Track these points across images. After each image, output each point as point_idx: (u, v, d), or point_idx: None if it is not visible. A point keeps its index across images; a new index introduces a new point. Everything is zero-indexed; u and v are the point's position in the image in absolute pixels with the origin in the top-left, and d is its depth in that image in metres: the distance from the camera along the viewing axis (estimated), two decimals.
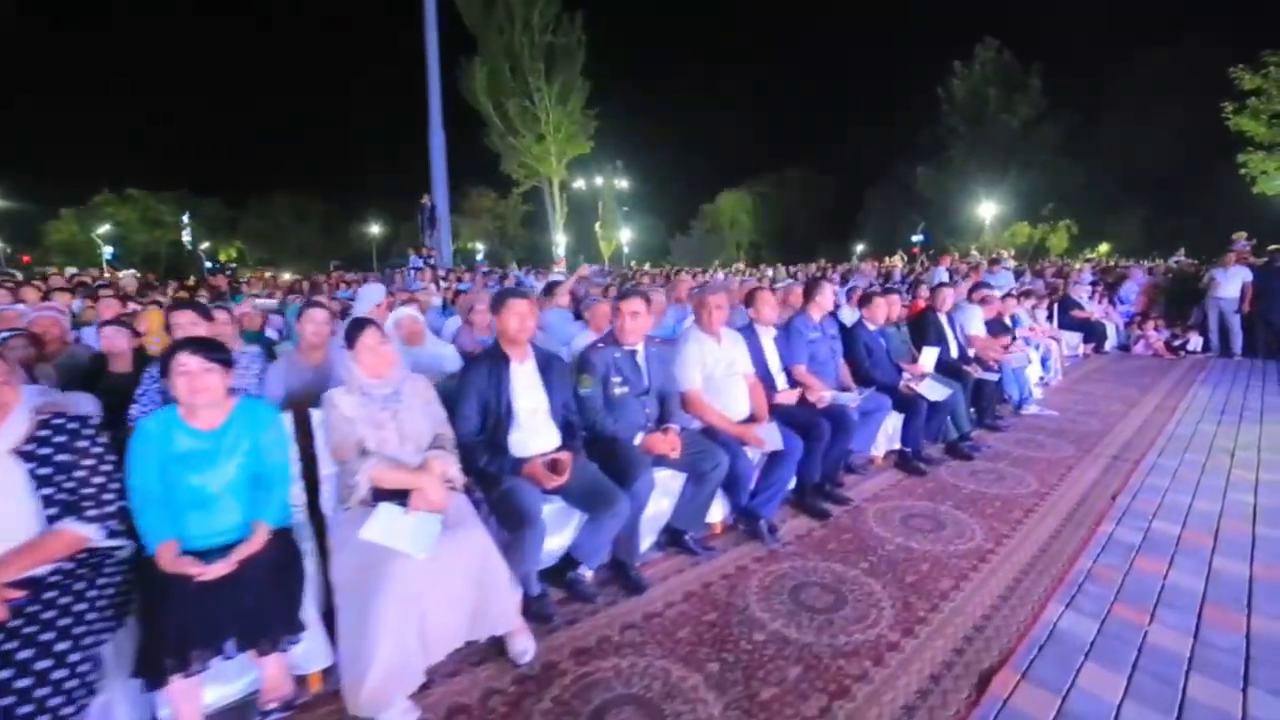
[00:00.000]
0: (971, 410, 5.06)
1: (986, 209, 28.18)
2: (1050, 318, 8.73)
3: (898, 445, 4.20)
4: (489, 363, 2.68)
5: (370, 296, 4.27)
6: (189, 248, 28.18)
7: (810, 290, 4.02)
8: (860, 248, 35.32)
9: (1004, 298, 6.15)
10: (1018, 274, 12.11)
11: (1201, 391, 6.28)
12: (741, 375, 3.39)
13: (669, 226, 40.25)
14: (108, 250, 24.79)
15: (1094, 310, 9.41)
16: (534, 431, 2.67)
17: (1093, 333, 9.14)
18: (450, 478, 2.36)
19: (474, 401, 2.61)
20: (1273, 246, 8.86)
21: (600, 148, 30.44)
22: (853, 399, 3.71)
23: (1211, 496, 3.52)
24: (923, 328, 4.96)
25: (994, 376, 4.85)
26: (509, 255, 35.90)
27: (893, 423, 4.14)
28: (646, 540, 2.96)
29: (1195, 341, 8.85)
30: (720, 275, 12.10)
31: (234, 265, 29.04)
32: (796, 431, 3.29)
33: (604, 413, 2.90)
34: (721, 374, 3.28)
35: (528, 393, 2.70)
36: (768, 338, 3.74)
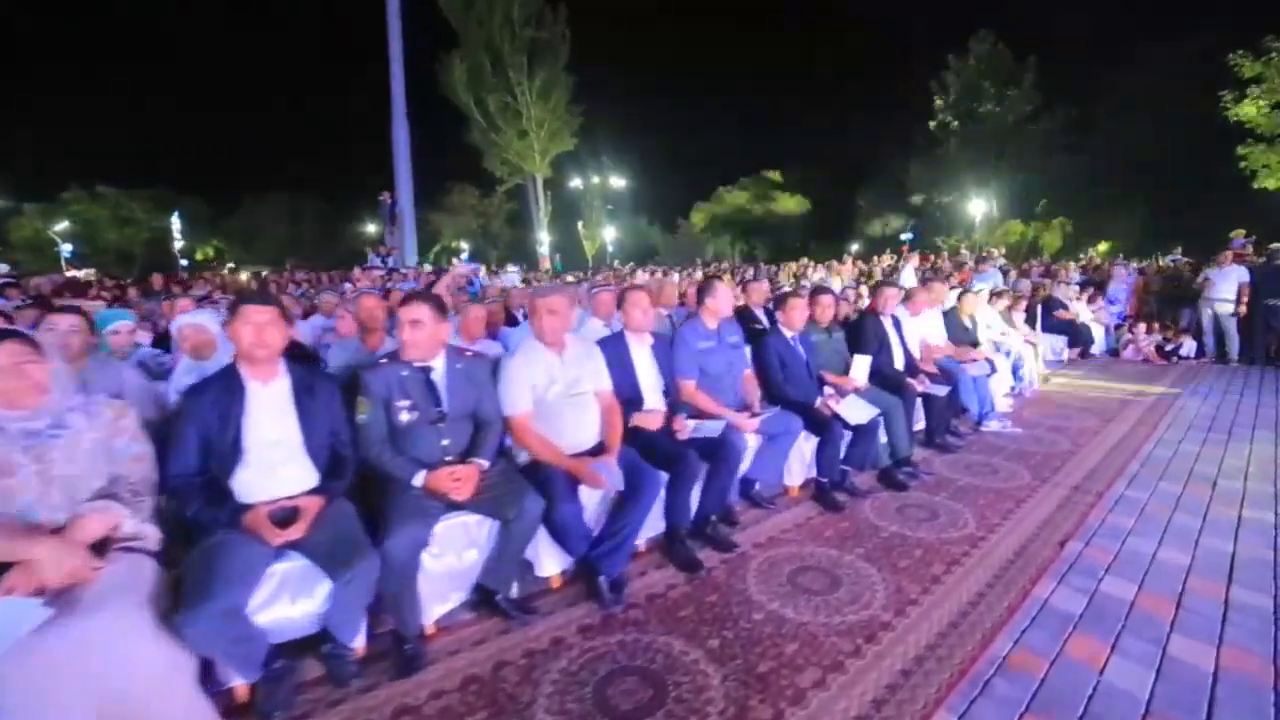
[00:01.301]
0: (920, 428, 4.44)
1: (977, 206, 27.33)
2: (1032, 320, 8.09)
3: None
4: (219, 385, 2.06)
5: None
6: (179, 245, 27.79)
7: (702, 292, 3.37)
8: (855, 247, 34.57)
9: (961, 295, 5.48)
10: (1005, 273, 11.46)
11: (1189, 404, 5.61)
12: (592, 395, 2.75)
13: (658, 225, 39.62)
14: (67, 248, 24.14)
15: (1080, 311, 8.74)
16: (270, 470, 2.05)
17: (1078, 336, 8.47)
18: (124, 536, 1.76)
19: (192, 433, 2.00)
20: (1275, 245, 8.16)
21: (586, 145, 29.90)
22: (745, 421, 3.07)
23: (1182, 543, 2.87)
24: (859, 333, 4.31)
25: (942, 390, 4.19)
26: (493, 254, 35.28)
27: (812, 446, 3.50)
28: (453, 600, 2.34)
29: (1188, 346, 8.17)
30: (643, 275, 11.40)
31: (213, 263, 28.28)
32: (660, 464, 2.66)
33: (384, 445, 2.28)
34: (559, 394, 2.64)
35: (270, 422, 2.09)
36: (642, 348, 3.10)
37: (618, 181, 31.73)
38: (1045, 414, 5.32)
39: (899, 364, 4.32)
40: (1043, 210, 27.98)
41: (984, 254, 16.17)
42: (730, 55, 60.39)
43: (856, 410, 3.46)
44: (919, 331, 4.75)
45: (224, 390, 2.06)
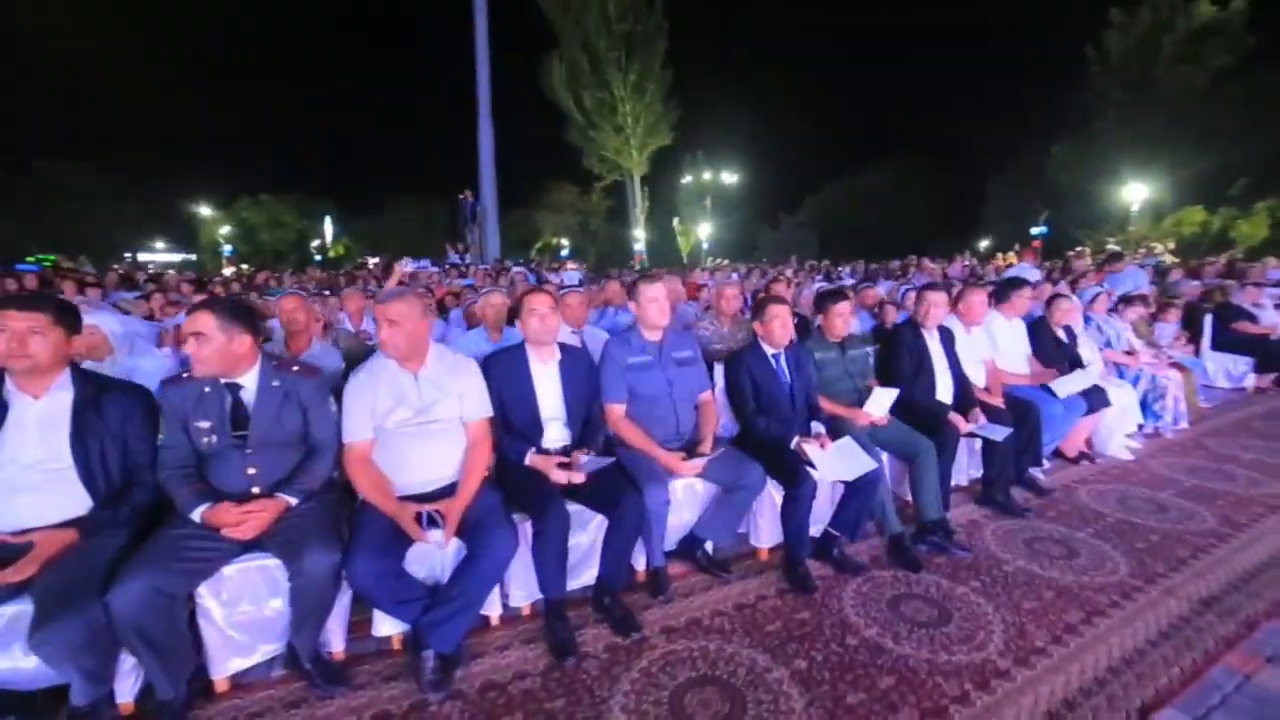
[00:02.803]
0: (977, 477, 3.35)
1: (1135, 191, 22.33)
2: (1196, 335, 6.19)
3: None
4: None
5: None
6: (325, 244, 31.78)
7: (633, 294, 2.64)
8: (984, 244, 30.41)
9: (1051, 301, 4.13)
10: (1160, 272, 9.10)
11: None
12: (456, 424, 2.18)
13: (760, 220, 37.76)
14: (227, 248, 28.68)
15: (1276, 325, 6.48)
16: (28, 493, 1.78)
17: (1271, 357, 6.25)
18: None
19: None
20: None
21: (685, 139, 29.18)
22: (680, 463, 2.32)
23: None
24: (888, 351, 3.30)
25: (999, 433, 3.07)
26: (591, 250, 35.78)
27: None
28: (259, 654, 1.95)
29: None
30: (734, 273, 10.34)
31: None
32: (598, 504, 2.14)
33: (177, 470, 1.94)
34: (403, 422, 2.11)
35: (31, 441, 1.81)
36: (545, 365, 2.46)
37: (721, 177, 30.62)
38: (1190, 467, 3.86)
39: (944, 393, 3.25)
40: (1241, 192, 22.15)
41: (1147, 249, 13.10)
42: (842, 32, 56.00)
43: (839, 462, 2.54)
44: (979, 350, 3.59)
45: None
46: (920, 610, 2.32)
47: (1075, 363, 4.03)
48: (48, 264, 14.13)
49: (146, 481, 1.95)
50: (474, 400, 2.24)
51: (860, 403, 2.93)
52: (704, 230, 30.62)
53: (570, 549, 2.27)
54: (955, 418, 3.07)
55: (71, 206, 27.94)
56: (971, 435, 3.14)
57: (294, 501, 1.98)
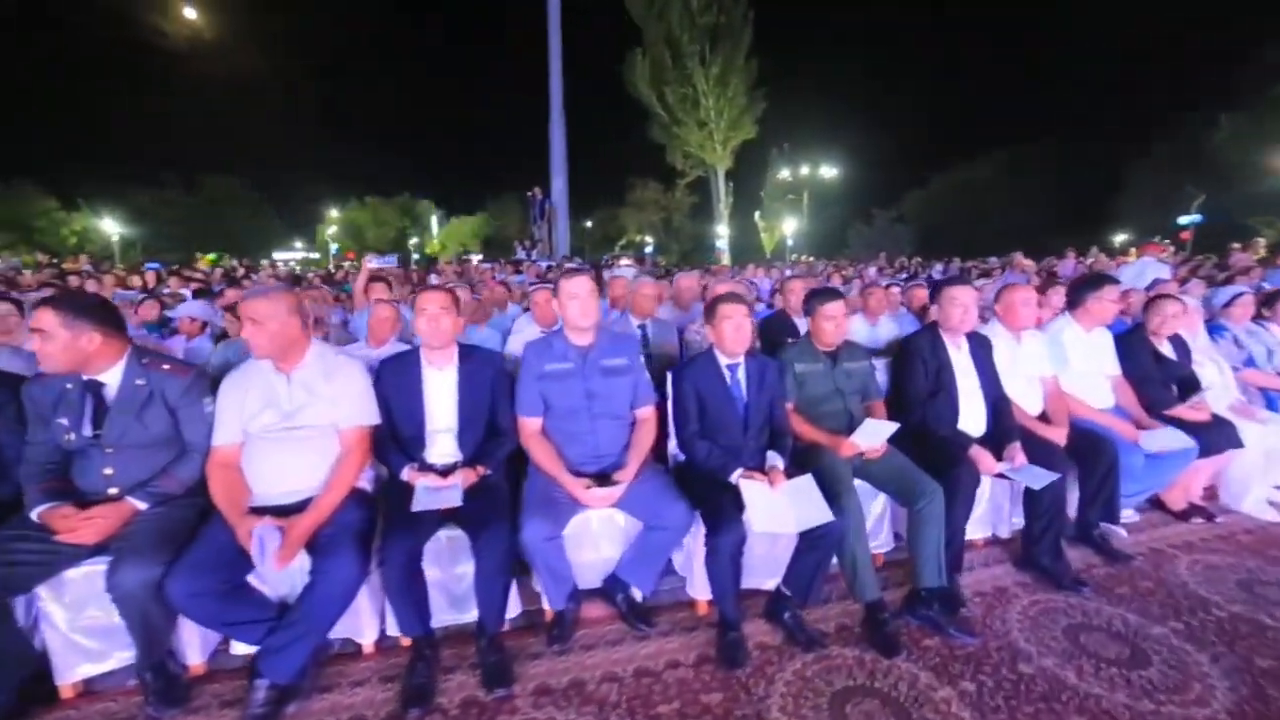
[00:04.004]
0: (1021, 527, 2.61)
1: None
2: None
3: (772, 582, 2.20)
4: None
5: None
6: (426, 241, 34.61)
7: (556, 290, 2.24)
8: (1120, 238, 26.25)
9: (1151, 303, 3.16)
10: None
11: None
12: (329, 431, 1.93)
13: (855, 216, 35.26)
14: (334, 245, 32.02)
15: None
16: None
17: None
18: None
19: None
20: None
21: (771, 132, 27.88)
22: (587, 493, 1.91)
23: None
24: (902, 367, 2.64)
25: (1040, 479, 2.31)
26: (674, 247, 35.40)
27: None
28: (114, 659, 1.88)
29: None
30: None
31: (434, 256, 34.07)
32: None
33: (35, 468, 1.86)
34: (268, 427, 1.91)
35: None
36: (441, 371, 2.15)
37: (810, 170, 28.99)
38: None
39: (971, 419, 2.53)
40: None
41: None
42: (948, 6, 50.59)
43: (785, 508, 1.97)
44: (1033, 365, 2.79)
45: None
46: (1106, 645, 1.98)
47: (1186, 386, 3.07)
48: (212, 262, 16.28)
49: (11, 477, 1.90)
50: (348, 406, 1.99)
51: (852, 429, 2.32)
52: (789, 226, 29.14)
53: (457, 578, 1.98)
54: (980, 454, 2.36)
55: (231, 215, 32.79)
56: (1002, 477, 2.41)
57: (142, 506, 1.85)
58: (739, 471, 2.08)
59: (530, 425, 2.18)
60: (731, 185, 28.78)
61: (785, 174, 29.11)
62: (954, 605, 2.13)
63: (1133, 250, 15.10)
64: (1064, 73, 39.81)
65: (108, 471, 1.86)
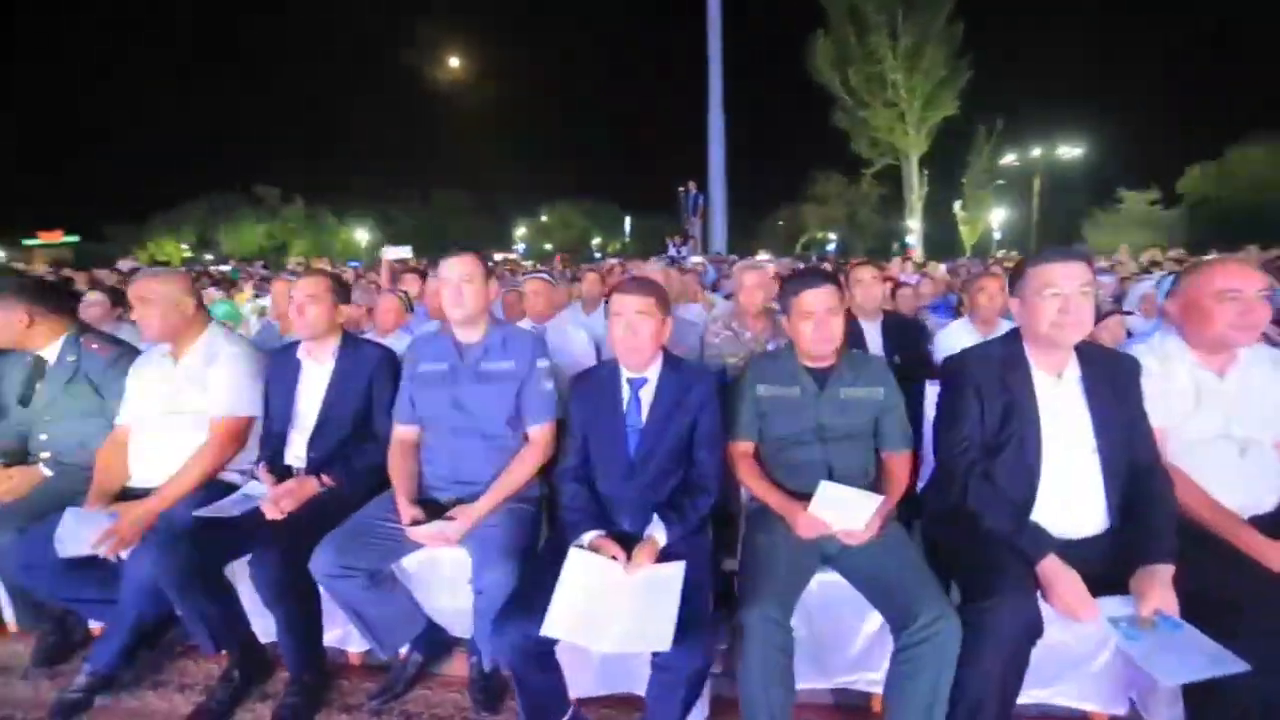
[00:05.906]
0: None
1: None
2: None
3: None
4: None
5: None
6: (608, 241, 37.66)
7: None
8: None
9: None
10: None
11: None
12: (203, 419, 1.93)
13: (1095, 204, 27.91)
14: (520, 246, 36.82)
15: None
16: None
17: None
18: None
19: None
20: None
21: (977, 109, 23.49)
22: (418, 531, 1.57)
23: None
24: (946, 402, 1.75)
25: (1197, 665, 1.23)
26: (859, 244, 32.13)
27: None
28: None
29: None
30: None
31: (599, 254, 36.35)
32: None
33: None
34: (149, 412, 1.96)
35: None
36: (320, 365, 1.98)
37: (1023, 152, 23.92)
38: None
39: (1060, 505, 1.51)
40: None
41: None
42: None
43: (618, 609, 1.36)
44: (1257, 415, 1.61)
45: None
46: None
47: None
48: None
49: None
50: (219, 393, 1.95)
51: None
52: (996, 217, 24.41)
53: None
54: (1060, 575, 1.35)
55: (455, 223, 39.39)
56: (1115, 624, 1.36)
57: (47, 473, 1.99)
58: (593, 535, 1.52)
59: (401, 433, 1.89)
60: (926, 174, 25.09)
61: (1011, 157, 24.11)
62: None
63: None
64: None
65: (43, 437, 2.07)
